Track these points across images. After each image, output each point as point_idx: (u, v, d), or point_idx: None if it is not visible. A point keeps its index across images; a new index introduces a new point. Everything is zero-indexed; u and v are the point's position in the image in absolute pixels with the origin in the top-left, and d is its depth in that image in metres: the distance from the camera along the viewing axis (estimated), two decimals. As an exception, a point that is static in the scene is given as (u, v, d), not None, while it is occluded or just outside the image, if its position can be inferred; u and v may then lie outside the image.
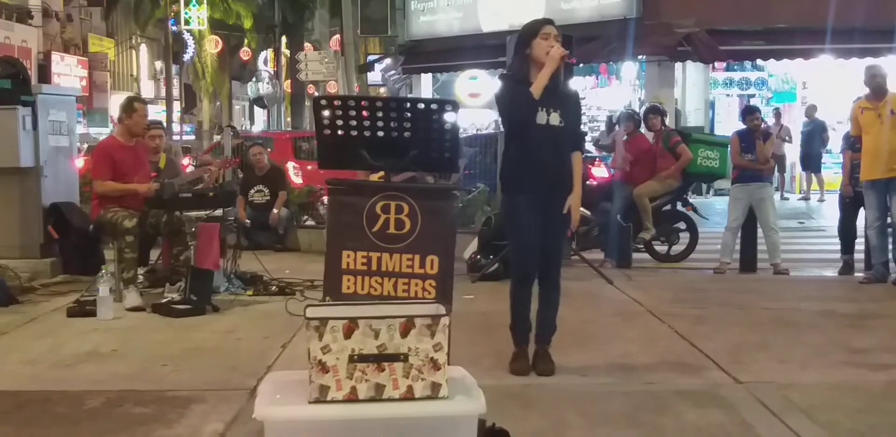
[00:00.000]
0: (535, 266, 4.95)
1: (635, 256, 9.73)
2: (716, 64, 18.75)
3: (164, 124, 14.28)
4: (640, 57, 16.87)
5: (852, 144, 8.69)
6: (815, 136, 17.47)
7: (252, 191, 11.00)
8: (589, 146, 15.55)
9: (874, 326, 6.41)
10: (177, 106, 36.90)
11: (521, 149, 4.88)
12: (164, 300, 6.76)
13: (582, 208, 9.37)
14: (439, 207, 4.38)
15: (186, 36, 36.46)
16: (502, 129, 5.43)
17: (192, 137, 33.83)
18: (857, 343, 5.77)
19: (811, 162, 17.61)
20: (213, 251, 7.21)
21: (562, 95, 4.89)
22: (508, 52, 7.70)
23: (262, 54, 40.29)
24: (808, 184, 18.03)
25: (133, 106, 7.28)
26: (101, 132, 26.46)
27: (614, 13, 16.32)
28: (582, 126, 5.53)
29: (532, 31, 4.87)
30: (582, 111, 5.29)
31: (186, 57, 37.96)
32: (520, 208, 4.92)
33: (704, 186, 17.26)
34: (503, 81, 5.05)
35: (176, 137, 26.94)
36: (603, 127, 18.65)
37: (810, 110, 17.70)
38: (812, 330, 6.21)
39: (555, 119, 4.83)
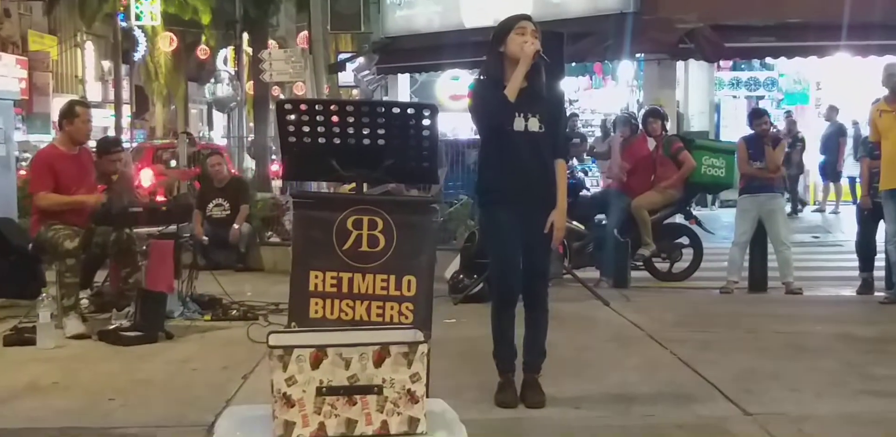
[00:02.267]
0: (518, 287, 4.96)
1: (634, 274, 9.75)
2: (721, 63, 18.83)
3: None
4: (637, 55, 16.92)
5: (871, 150, 8.76)
6: (831, 141, 17.56)
7: (210, 205, 10.98)
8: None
9: (896, 351, 6.45)
10: (127, 110, 36.79)
11: (499, 158, 4.90)
12: (112, 327, 6.73)
13: (575, 222, 9.48)
14: (417, 222, 4.39)
15: (137, 33, 36.41)
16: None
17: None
18: (878, 370, 5.80)
19: (831, 170, 17.69)
20: (167, 272, 7.19)
21: (540, 98, 4.90)
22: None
23: (222, 53, 40.22)
24: (825, 194, 18.13)
25: (74, 111, 7.26)
26: (43, 140, 26.36)
27: (610, 7, 16.40)
28: (568, 130, 5.57)
29: (507, 26, 4.91)
30: (566, 114, 5.32)
31: (137, 56, 37.90)
32: (500, 223, 4.93)
33: (709, 197, 17.32)
34: (476, 86, 5.07)
35: (126, 145, 26.95)
36: (598, 132, 18.73)
37: (830, 112, 17.75)
38: (828, 356, 6.23)
39: (534, 125, 4.85)
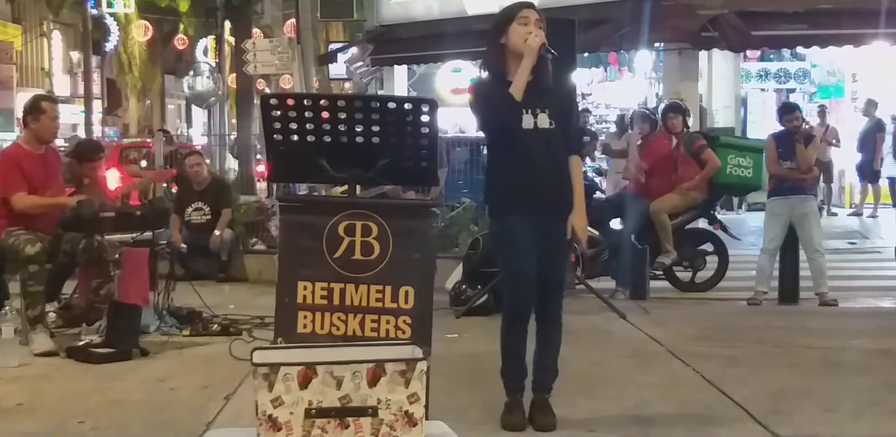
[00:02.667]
0: (531, 301, 4.95)
1: (653, 284, 9.76)
2: (748, 53, 18.86)
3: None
4: (657, 44, 16.96)
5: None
6: (869, 138, 17.56)
7: (189, 209, 10.98)
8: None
9: (940, 367, 6.45)
10: (98, 105, 36.83)
11: (509, 161, 4.88)
12: (82, 343, 6.73)
13: (589, 228, 9.47)
14: (415, 228, 4.40)
15: (109, 21, 36.46)
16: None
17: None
18: (921, 389, 5.81)
19: (868, 170, 17.69)
20: (141, 283, 7.19)
21: (548, 92, 4.88)
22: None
23: (202, 43, 40.33)
24: (863, 196, 18.14)
25: (40, 106, 7.26)
26: (6, 138, 26.43)
27: (626, -8, 16.41)
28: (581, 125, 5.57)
29: (508, 15, 4.89)
30: (577, 107, 5.32)
31: (109, 46, 37.94)
32: (513, 232, 4.90)
33: (735, 200, 17.33)
34: (478, 84, 5.05)
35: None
36: (613, 128, 18.74)
37: (869, 107, 17.74)
38: (866, 373, 6.24)
39: (543, 121, 4.84)
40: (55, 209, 7.09)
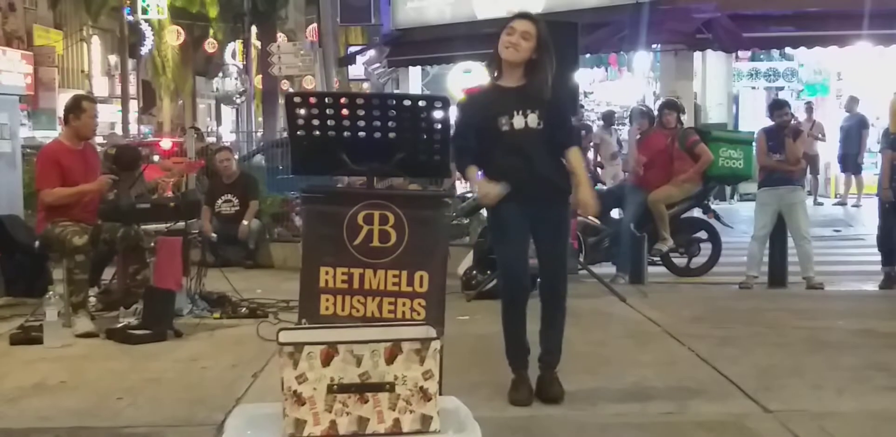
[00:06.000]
0: (525, 286, 4.95)
1: (650, 269, 9.74)
2: (740, 53, 18.77)
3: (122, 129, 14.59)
4: (654, 46, 16.89)
5: (893, 142, 8.73)
6: (853, 132, 17.53)
7: (219, 201, 11.00)
8: None
9: (920, 346, 6.43)
10: (134, 105, 36.91)
11: (499, 157, 4.83)
12: (120, 325, 6.75)
13: (591, 217, 9.46)
14: (429, 217, 4.39)
15: (144, 26, 36.52)
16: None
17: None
18: (902, 366, 5.78)
19: (850, 162, 17.68)
20: (175, 269, 7.20)
21: (541, 95, 4.84)
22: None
23: (230, 46, 40.37)
24: (846, 187, 18.10)
25: (81, 106, 7.28)
26: (48, 136, 26.51)
27: (625, -3, 16.32)
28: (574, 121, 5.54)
29: (503, 24, 4.86)
30: (576, 105, 5.31)
31: (144, 50, 38.03)
32: (505, 221, 4.89)
33: (728, 190, 17.28)
34: (468, 96, 5.06)
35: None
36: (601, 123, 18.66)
37: (851, 103, 17.73)
38: (850, 352, 6.22)
39: (532, 121, 4.82)
40: (81, 197, 7.09)
